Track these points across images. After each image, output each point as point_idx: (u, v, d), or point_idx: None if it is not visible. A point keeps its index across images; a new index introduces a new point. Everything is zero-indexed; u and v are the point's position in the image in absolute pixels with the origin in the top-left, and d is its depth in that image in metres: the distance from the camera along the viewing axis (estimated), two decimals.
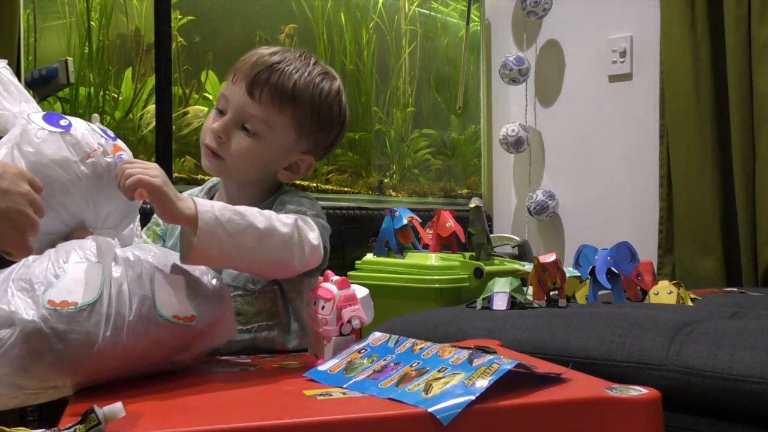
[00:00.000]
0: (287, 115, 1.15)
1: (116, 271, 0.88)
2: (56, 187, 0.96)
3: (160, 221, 1.27)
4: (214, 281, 0.98)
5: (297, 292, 1.17)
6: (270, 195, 1.21)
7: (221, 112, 1.16)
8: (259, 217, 1.00)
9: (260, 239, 0.99)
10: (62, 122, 1.00)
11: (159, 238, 1.24)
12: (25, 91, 1.07)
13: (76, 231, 0.99)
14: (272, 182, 1.22)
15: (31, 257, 0.91)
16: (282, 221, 1.03)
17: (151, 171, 0.95)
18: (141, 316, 0.86)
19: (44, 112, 1.02)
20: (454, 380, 0.77)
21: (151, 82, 2.11)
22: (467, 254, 1.91)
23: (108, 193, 1.00)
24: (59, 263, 0.88)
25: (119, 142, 1.05)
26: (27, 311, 0.82)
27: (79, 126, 1.01)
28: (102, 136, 1.02)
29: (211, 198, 1.27)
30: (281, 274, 1.10)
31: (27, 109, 1.03)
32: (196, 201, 0.95)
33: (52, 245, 0.93)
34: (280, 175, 1.21)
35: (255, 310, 1.16)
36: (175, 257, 0.97)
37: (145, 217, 1.38)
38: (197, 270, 0.97)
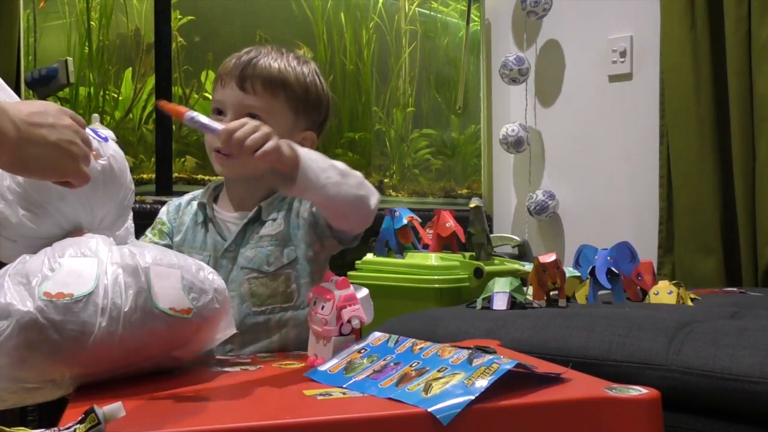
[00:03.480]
0: (281, 99, 1.25)
1: (112, 265, 0.89)
2: (53, 193, 0.96)
3: (166, 220, 1.32)
4: (211, 276, 0.98)
5: (310, 277, 1.22)
6: (272, 193, 1.28)
7: (219, 115, 1.25)
8: (335, 161, 1.12)
9: (342, 176, 1.11)
10: None
11: (165, 236, 1.30)
12: (13, 94, 1.06)
13: (72, 233, 1.00)
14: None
15: (27, 255, 0.92)
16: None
17: (261, 134, 0.99)
18: (137, 307, 0.87)
19: None
20: (453, 380, 0.77)
21: (151, 81, 2.11)
22: (467, 254, 1.91)
23: (103, 196, 1.01)
24: (55, 258, 0.88)
25: (111, 144, 1.04)
26: (23, 303, 0.82)
27: None
28: (94, 138, 1.02)
29: (216, 197, 1.33)
30: (362, 212, 1.18)
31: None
32: (291, 145, 1.04)
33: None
34: None
35: (269, 292, 1.22)
36: (172, 253, 0.98)
37: (144, 217, 1.40)
38: (194, 265, 0.97)
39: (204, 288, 0.95)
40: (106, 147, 1.03)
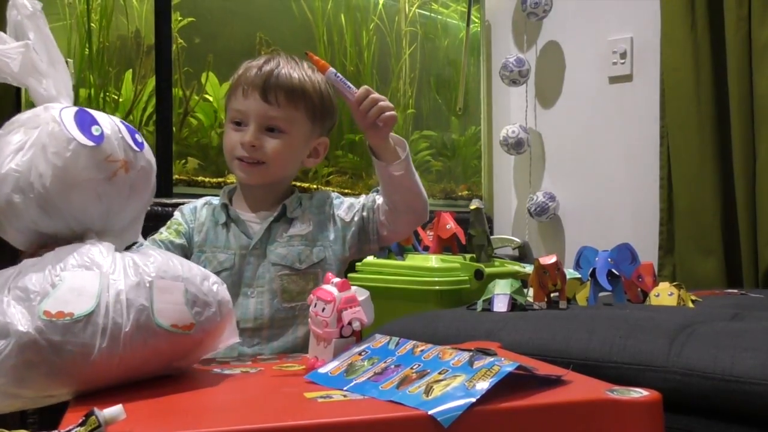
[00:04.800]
0: (301, 109, 1.32)
1: (114, 279, 0.87)
2: (74, 204, 0.93)
3: (182, 221, 1.37)
4: (215, 287, 0.96)
5: (340, 275, 1.30)
6: (287, 196, 1.37)
7: (239, 125, 1.31)
8: None
9: (419, 178, 1.31)
10: (95, 130, 0.93)
11: (181, 235, 1.34)
12: (57, 50, 0.99)
13: (80, 233, 0.97)
14: (291, 181, 1.41)
15: (29, 262, 0.89)
16: None
17: (389, 104, 1.25)
18: (138, 326, 0.85)
19: (75, 110, 0.95)
20: (454, 382, 0.77)
21: (152, 83, 2.10)
22: (468, 256, 1.91)
23: (125, 206, 0.98)
24: (56, 271, 0.86)
25: (145, 152, 1.00)
26: (22, 322, 0.81)
27: (111, 135, 0.95)
28: (130, 144, 0.97)
29: (230, 199, 1.39)
30: (423, 215, 1.35)
31: (56, 84, 0.97)
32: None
33: (52, 247, 0.92)
34: (306, 163, 1.39)
35: (299, 288, 1.30)
36: (177, 262, 0.96)
37: (157, 219, 1.41)
38: (199, 276, 0.95)
39: (208, 301, 0.93)
40: (139, 156, 0.98)
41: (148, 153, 1.02)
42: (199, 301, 0.92)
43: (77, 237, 0.95)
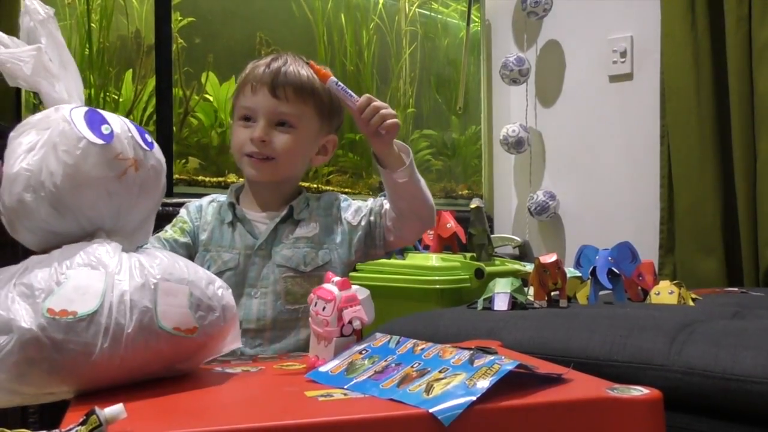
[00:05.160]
0: (310, 105, 1.32)
1: (119, 279, 0.87)
2: (85, 202, 0.93)
3: (187, 219, 1.36)
4: (220, 292, 0.96)
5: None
6: (294, 196, 1.36)
7: (247, 121, 1.31)
8: None
9: (425, 184, 1.31)
10: (104, 129, 0.94)
11: (186, 234, 1.34)
12: (68, 53, 1.00)
13: (91, 233, 0.97)
14: (299, 180, 1.41)
15: (35, 258, 0.90)
16: None
17: (391, 111, 1.25)
18: (141, 327, 0.85)
19: (85, 109, 0.96)
20: (455, 381, 0.77)
21: (152, 83, 2.11)
22: (468, 255, 1.91)
23: (135, 205, 0.97)
24: (62, 269, 0.86)
25: (155, 151, 1.00)
26: (26, 319, 0.81)
27: (121, 134, 0.95)
28: (140, 143, 0.97)
29: (237, 198, 1.38)
30: (429, 221, 1.35)
31: (68, 87, 0.98)
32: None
33: (59, 245, 0.92)
34: (315, 161, 1.41)
35: (303, 291, 1.28)
36: (183, 264, 0.95)
37: (158, 218, 1.40)
38: (204, 279, 0.95)
39: (212, 305, 0.93)
40: (149, 155, 0.98)
41: (158, 153, 1.01)
42: (203, 305, 0.92)
43: (88, 237, 0.94)
